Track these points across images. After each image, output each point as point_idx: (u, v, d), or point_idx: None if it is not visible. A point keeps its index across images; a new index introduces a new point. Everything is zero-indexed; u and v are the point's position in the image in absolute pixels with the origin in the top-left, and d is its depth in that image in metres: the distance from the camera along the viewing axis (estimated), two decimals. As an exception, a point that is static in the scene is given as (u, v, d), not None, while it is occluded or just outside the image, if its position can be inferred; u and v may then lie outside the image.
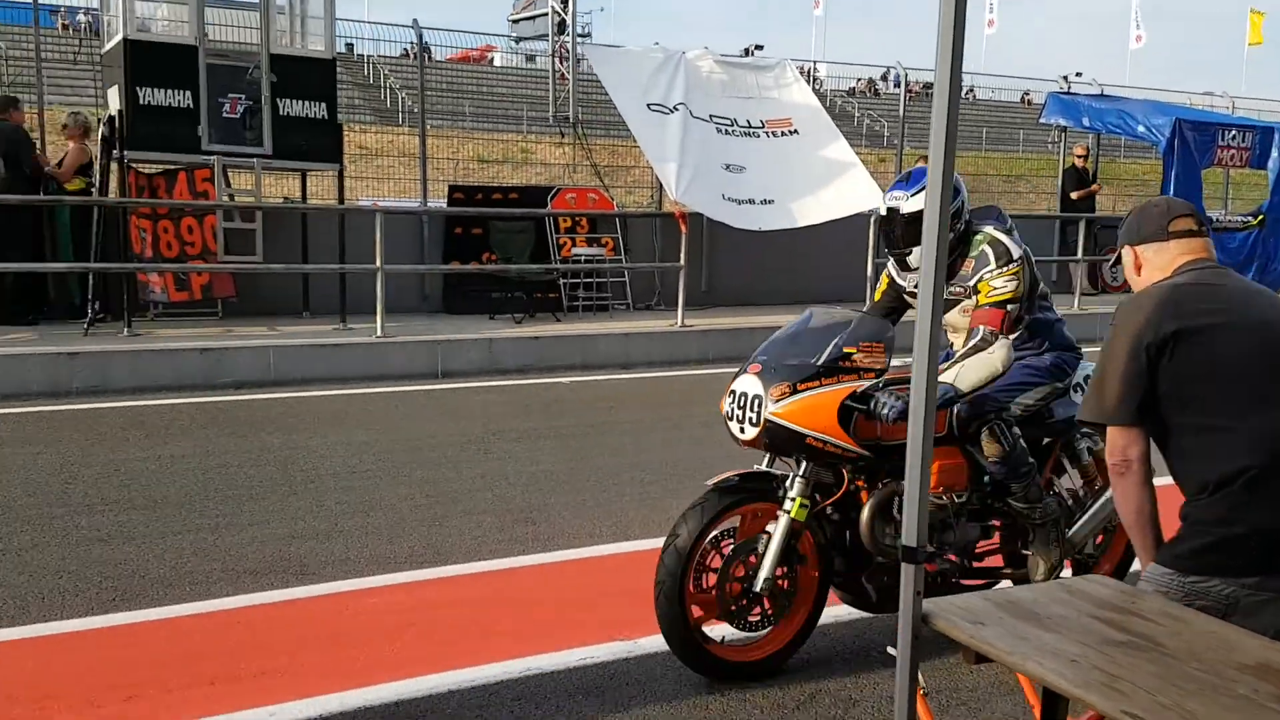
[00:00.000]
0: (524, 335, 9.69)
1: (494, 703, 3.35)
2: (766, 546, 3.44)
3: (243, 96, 9.45)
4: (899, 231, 3.76)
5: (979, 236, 3.72)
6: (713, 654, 3.48)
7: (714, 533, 3.47)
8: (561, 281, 11.19)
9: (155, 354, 8.09)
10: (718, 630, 3.55)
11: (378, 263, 9.05)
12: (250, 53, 9.56)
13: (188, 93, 9.17)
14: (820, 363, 3.47)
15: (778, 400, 3.41)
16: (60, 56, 19.98)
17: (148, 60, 9.15)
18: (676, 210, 10.34)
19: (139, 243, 9.23)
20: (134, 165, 9.35)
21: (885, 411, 3.34)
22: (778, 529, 3.44)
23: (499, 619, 3.96)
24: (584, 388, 8.71)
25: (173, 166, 9.52)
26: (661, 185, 11.17)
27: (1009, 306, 3.61)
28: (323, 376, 8.44)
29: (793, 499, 3.44)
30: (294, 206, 10.71)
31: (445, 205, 11.43)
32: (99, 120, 9.93)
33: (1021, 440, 3.68)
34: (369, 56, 28.32)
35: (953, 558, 3.71)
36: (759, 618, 3.51)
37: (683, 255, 10.42)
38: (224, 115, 9.37)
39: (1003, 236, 3.72)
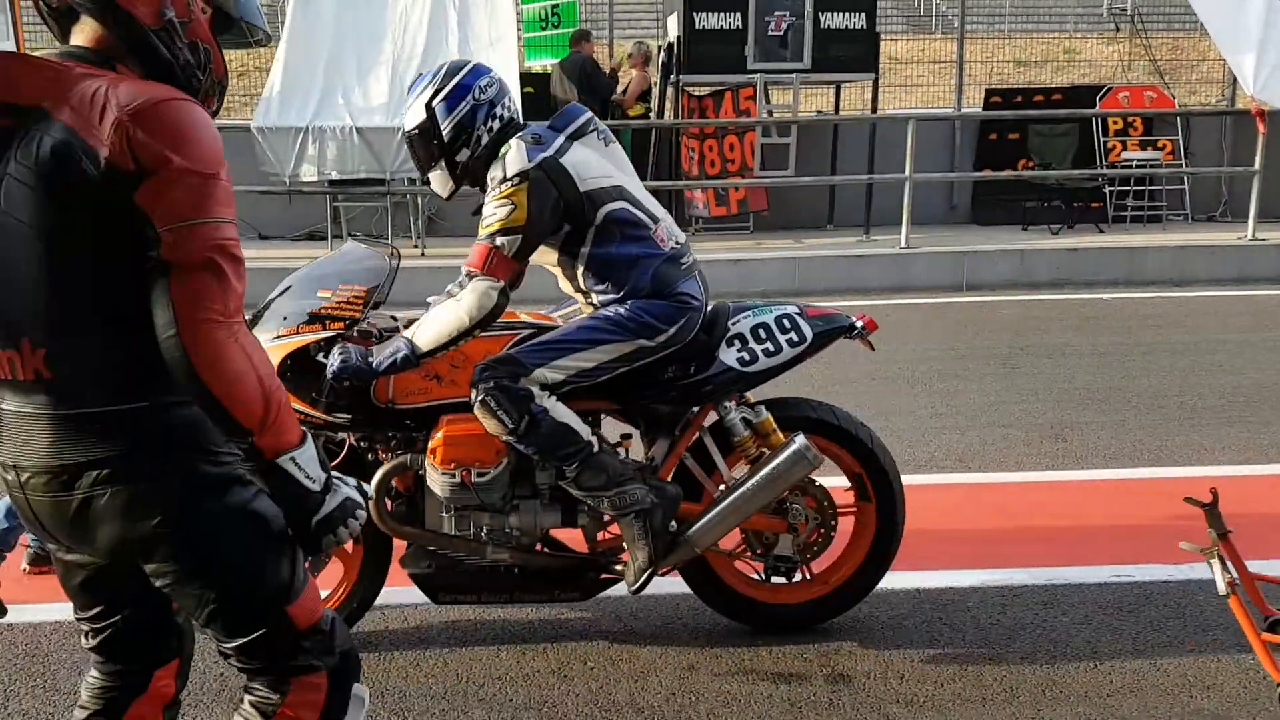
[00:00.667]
0: (1060, 246, 9.09)
1: (1017, 604, 3.33)
2: None
3: (787, 13, 9.80)
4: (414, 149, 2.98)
5: (505, 147, 2.83)
6: None
7: None
8: (1107, 189, 10.28)
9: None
10: None
11: (907, 171, 8.98)
12: (793, -33, 9.85)
13: (737, 14, 9.73)
14: (303, 311, 2.90)
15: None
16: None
17: (704, -15, 9.83)
18: (1253, 107, 8.98)
19: (687, 161, 10.06)
20: (687, 88, 10.14)
21: (329, 368, 2.73)
22: None
23: (1024, 529, 3.87)
24: (1128, 305, 7.99)
25: (719, 87, 10.18)
26: (1235, 80, 9.75)
27: (499, 240, 2.72)
28: (845, 288, 8.62)
29: None
30: (827, 119, 10.95)
31: (980, 110, 10.99)
32: (659, 48, 10.89)
33: (554, 414, 2.75)
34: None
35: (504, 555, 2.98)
36: None
37: (1258, 159, 9.06)
38: (769, 33, 9.80)
39: (516, 148, 2.78)
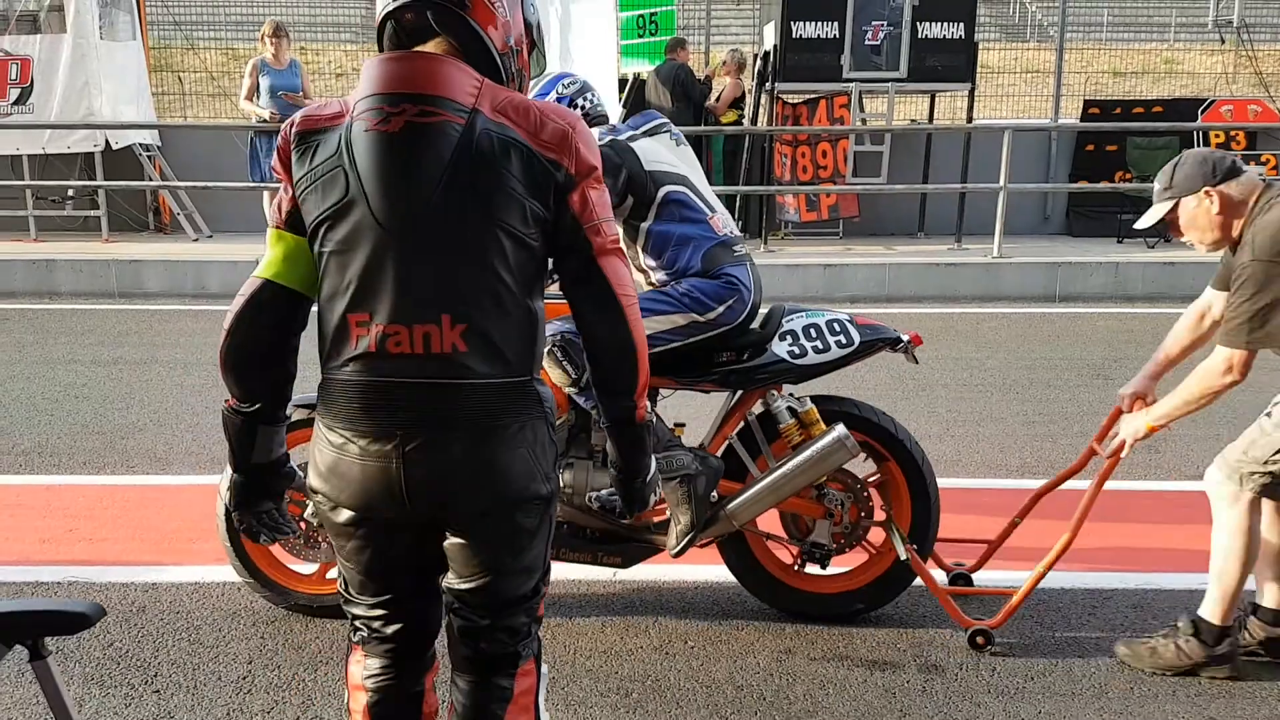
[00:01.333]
0: (1157, 260, 8.98)
1: (1107, 605, 3.42)
2: None
3: (884, 23, 9.84)
4: None
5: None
6: (270, 577, 3.33)
7: None
8: (1207, 204, 10.10)
9: (785, 269, 8.92)
10: None
11: (1001, 181, 8.97)
12: (893, -22, 9.89)
13: (834, 24, 9.80)
14: None
15: None
16: None
17: (801, -6, 9.92)
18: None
19: (780, 167, 10.17)
20: (782, 96, 10.25)
21: None
22: None
23: (1116, 534, 3.92)
24: (1225, 321, 7.87)
25: (814, 95, 10.27)
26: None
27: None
28: (935, 295, 8.65)
29: None
30: (921, 128, 10.96)
31: (1077, 121, 10.88)
32: (754, 56, 11.01)
33: None
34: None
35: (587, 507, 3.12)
36: (318, 551, 3.32)
37: (1369, 174, 8.85)
38: (865, 43, 9.86)
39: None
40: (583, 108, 3.22)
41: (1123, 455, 3.05)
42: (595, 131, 3.04)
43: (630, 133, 3.17)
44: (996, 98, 15.11)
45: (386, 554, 1.91)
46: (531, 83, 3.17)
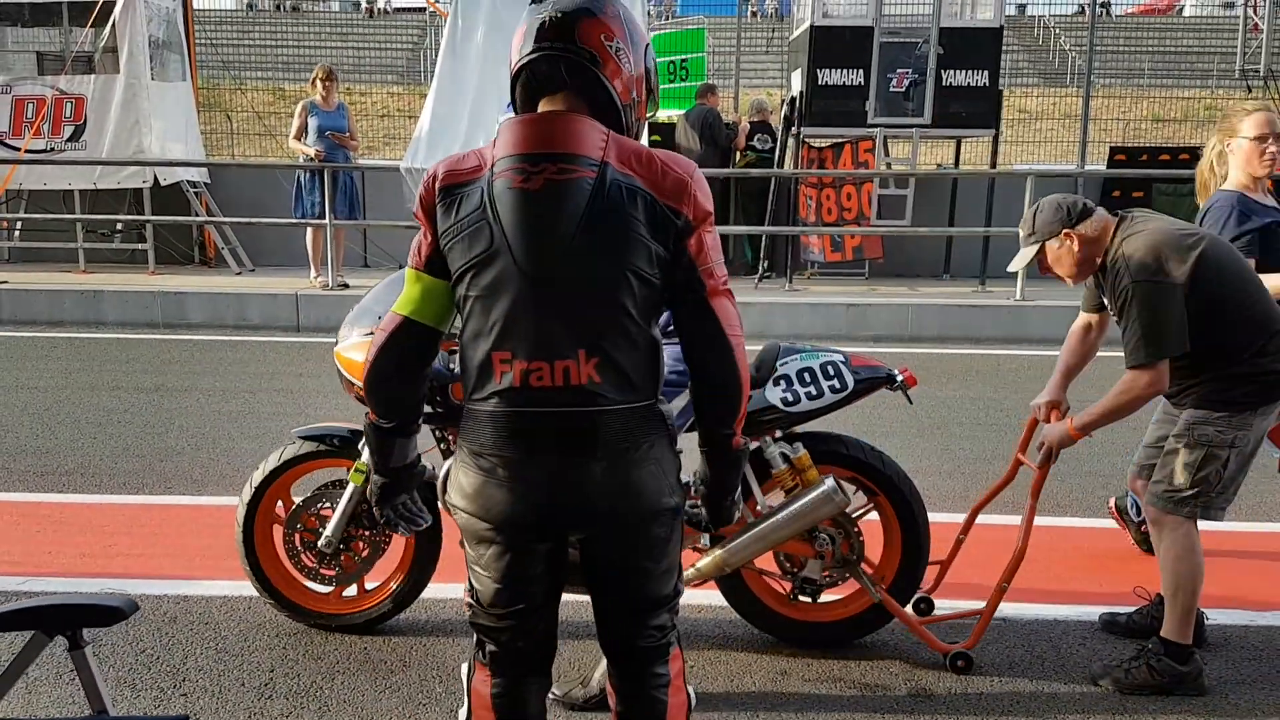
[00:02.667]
0: (1180, 307, 9.03)
1: (1097, 637, 3.51)
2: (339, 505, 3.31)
3: (909, 70, 10.05)
4: None
5: None
6: (286, 596, 3.50)
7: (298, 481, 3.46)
8: (1233, 251, 10.14)
9: (809, 307, 9.06)
10: None
11: (1024, 227, 9.07)
12: (921, 28, 10.11)
13: (860, 71, 10.02)
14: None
15: (342, 341, 3.25)
16: (751, 44, 22.66)
17: (828, 43, 10.16)
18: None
19: (805, 209, 10.35)
20: (808, 140, 10.46)
21: None
22: (345, 492, 3.30)
23: (1119, 569, 4.02)
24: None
25: (839, 140, 10.47)
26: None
27: None
28: (957, 336, 8.75)
29: (360, 465, 3.24)
30: (945, 173, 11.11)
31: (1103, 167, 10.98)
32: (782, 101, 11.25)
33: None
34: (1040, 18, 27.59)
35: None
36: (333, 574, 3.43)
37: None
38: (890, 89, 10.06)
39: None
40: None
41: (1052, 462, 3.27)
42: None
43: None
44: (1034, 142, 15.22)
45: (523, 565, 2.07)
46: None
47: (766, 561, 3.41)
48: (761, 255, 10.18)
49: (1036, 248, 3.19)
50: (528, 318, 1.95)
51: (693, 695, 2.41)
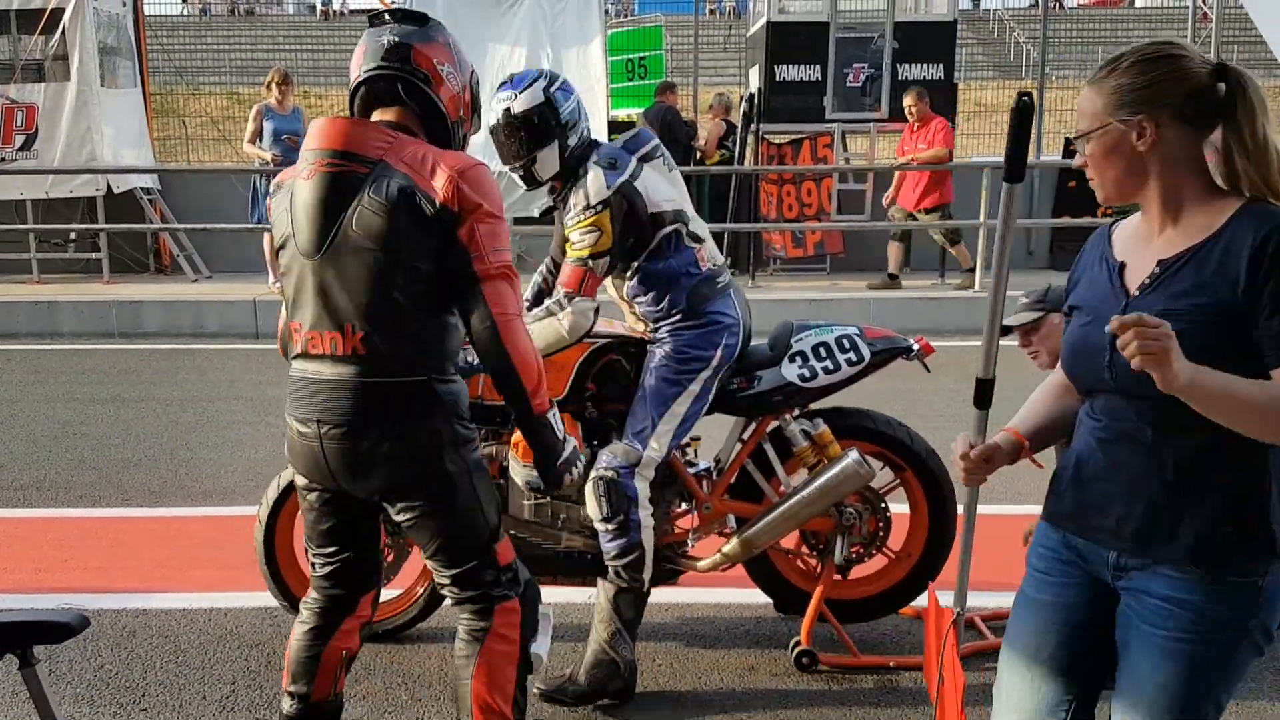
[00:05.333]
0: (1136, 295, 9.16)
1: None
2: None
3: (866, 65, 10.11)
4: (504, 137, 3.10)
5: (584, 169, 3.05)
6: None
7: None
8: (1187, 238, 10.30)
9: (772, 304, 9.08)
10: None
11: (981, 218, 9.17)
12: (876, 23, 10.18)
13: (817, 66, 10.08)
14: None
15: None
16: (709, 42, 22.70)
17: (785, 39, 10.20)
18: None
19: (766, 205, 10.39)
20: (767, 137, 10.49)
21: None
22: None
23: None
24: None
25: (798, 136, 10.51)
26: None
27: (590, 263, 2.99)
28: (919, 328, 8.78)
29: None
30: (902, 166, 11.18)
31: (1058, 158, 11.11)
32: (740, 98, 11.28)
33: (644, 536, 3.05)
34: (994, 11, 27.90)
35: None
36: None
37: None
38: (847, 85, 10.11)
39: (595, 175, 3.00)
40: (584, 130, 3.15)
41: None
42: (598, 172, 3.00)
43: (631, 164, 3.09)
44: (991, 135, 15.40)
45: (331, 517, 2.42)
46: (521, 76, 3.13)
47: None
48: (725, 253, 10.20)
49: (1038, 315, 3.05)
50: (307, 292, 2.28)
51: (542, 655, 2.57)
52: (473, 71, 2.46)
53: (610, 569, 3.09)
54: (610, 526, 3.04)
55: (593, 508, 3.05)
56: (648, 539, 3.08)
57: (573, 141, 3.09)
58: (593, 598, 3.68)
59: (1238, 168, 1.69)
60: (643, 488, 3.06)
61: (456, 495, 2.34)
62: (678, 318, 3.12)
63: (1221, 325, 1.64)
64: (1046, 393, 2.00)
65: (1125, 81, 1.71)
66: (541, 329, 2.99)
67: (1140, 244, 1.79)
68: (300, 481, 2.41)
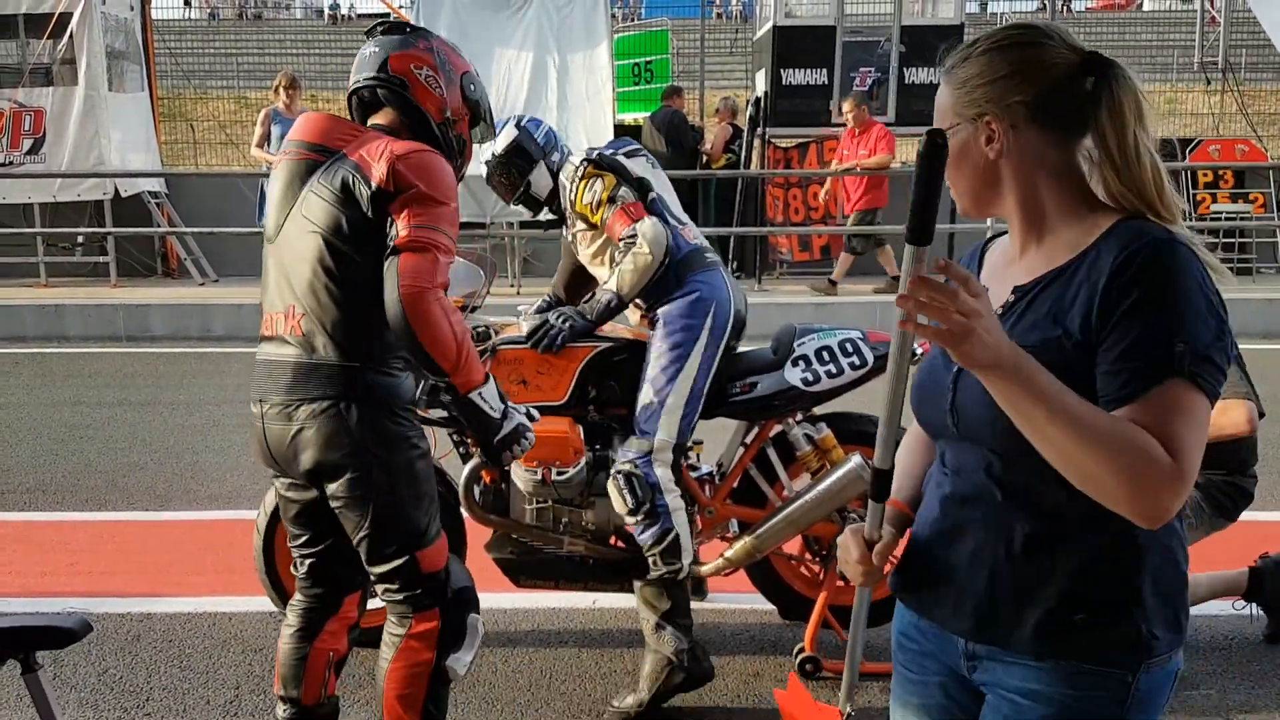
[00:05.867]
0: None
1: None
2: None
3: (873, 69, 10.09)
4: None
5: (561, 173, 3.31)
6: None
7: None
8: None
9: (776, 307, 9.08)
10: None
11: (988, 220, 9.14)
12: (883, 26, 10.16)
13: (823, 70, 10.06)
14: None
15: None
16: (715, 46, 22.67)
17: (792, 43, 10.19)
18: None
19: (772, 209, 10.37)
20: (773, 140, 10.48)
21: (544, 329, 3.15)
22: None
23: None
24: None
25: (804, 140, 10.50)
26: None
27: (619, 196, 3.09)
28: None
29: None
30: (909, 170, 11.16)
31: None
32: (747, 102, 11.27)
33: (674, 519, 3.04)
34: (1002, 14, 27.84)
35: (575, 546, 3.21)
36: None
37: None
38: (854, 88, 10.10)
39: (570, 158, 3.31)
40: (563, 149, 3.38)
41: None
42: (573, 155, 3.30)
43: (611, 153, 3.29)
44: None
45: (297, 504, 2.46)
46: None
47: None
48: (731, 256, 10.20)
49: None
50: (267, 275, 2.41)
51: (457, 669, 2.48)
52: (465, 72, 2.54)
53: (650, 561, 3.07)
54: (640, 517, 3.04)
55: (619, 504, 3.05)
56: (679, 520, 3.07)
57: (556, 159, 3.33)
58: (596, 603, 3.69)
59: (1105, 178, 1.38)
60: (663, 473, 3.05)
61: (374, 491, 2.32)
62: (665, 292, 3.14)
63: (1078, 366, 1.32)
64: (913, 447, 1.66)
65: (973, 74, 1.41)
66: (630, 267, 3.07)
67: (1004, 266, 1.50)
68: (269, 471, 2.46)
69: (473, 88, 2.56)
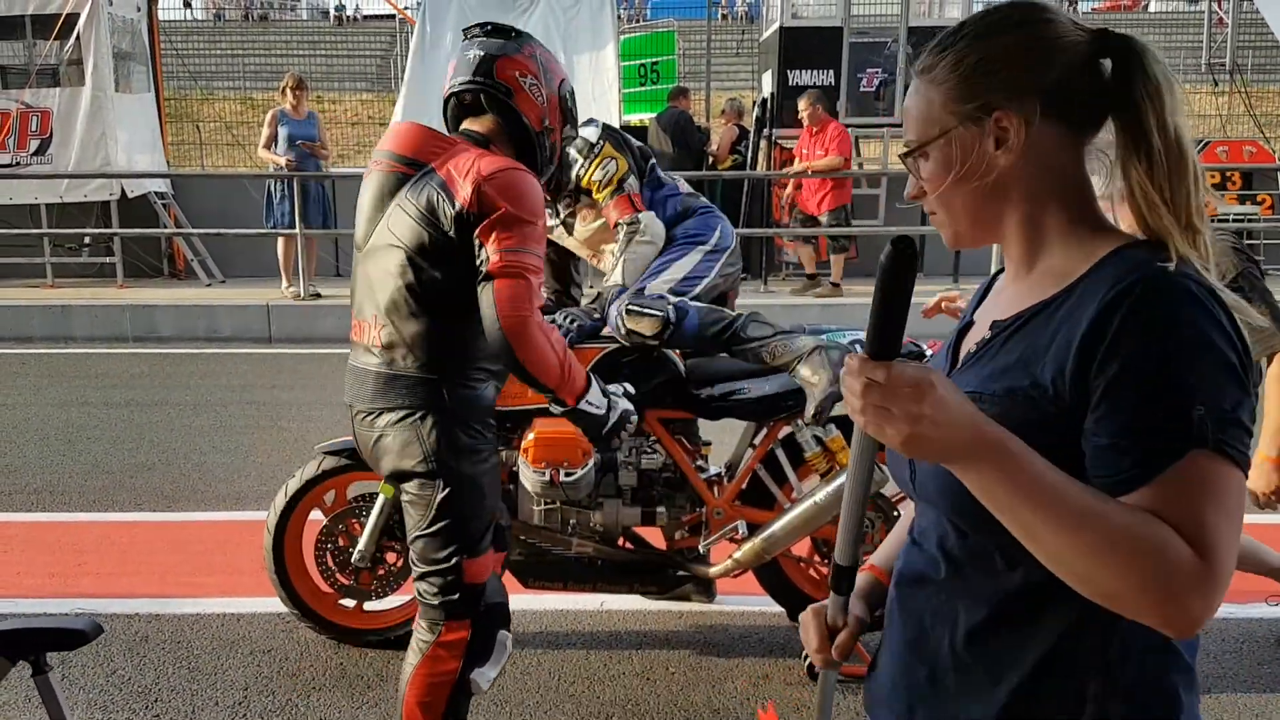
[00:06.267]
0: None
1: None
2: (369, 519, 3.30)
3: (879, 70, 10.08)
4: None
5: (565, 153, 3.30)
6: (326, 618, 3.42)
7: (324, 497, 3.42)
8: (1202, 244, 10.24)
9: (782, 309, 9.07)
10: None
11: (996, 224, 9.12)
12: (889, 28, 10.15)
13: (830, 71, 10.06)
14: None
15: None
16: (722, 47, 22.67)
17: (798, 44, 10.19)
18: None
19: (778, 210, 10.36)
20: (779, 142, 10.47)
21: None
22: (376, 504, 3.26)
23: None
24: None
25: (811, 139, 10.48)
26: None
27: (626, 187, 3.16)
28: (931, 333, 8.75)
29: None
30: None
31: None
32: (753, 103, 11.26)
33: (697, 302, 3.17)
34: (1006, 18, 27.77)
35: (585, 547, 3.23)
36: (373, 588, 3.37)
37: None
38: (860, 89, 10.10)
39: (581, 134, 3.30)
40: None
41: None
42: (587, 131, 3.30)
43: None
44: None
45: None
46: None
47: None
48: (736, 257, 10.18)
49: None
50: (355, 281, 2.48)
51: (480, 684, 2.51)
52: (562, 80, 2.55)
53: (728, 345, 3.17)
54: (673, 321, 3.10)
55: (647, 325, 3.10)
56: (703, 300, 3.21)
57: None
58: (604, 605, 3.68)
59: (1133, 183, 1.11)
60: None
61: (438, 497, 2.39)
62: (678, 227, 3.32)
63: (1046, 423, 1.07)
64: (909, 513, 1.42)
65: (971, 61, 1.14)
66: (632, 257, 3.21)
67: (994, 295, 1.29)
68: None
69: (569, 96, 2.58)
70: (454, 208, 2.27)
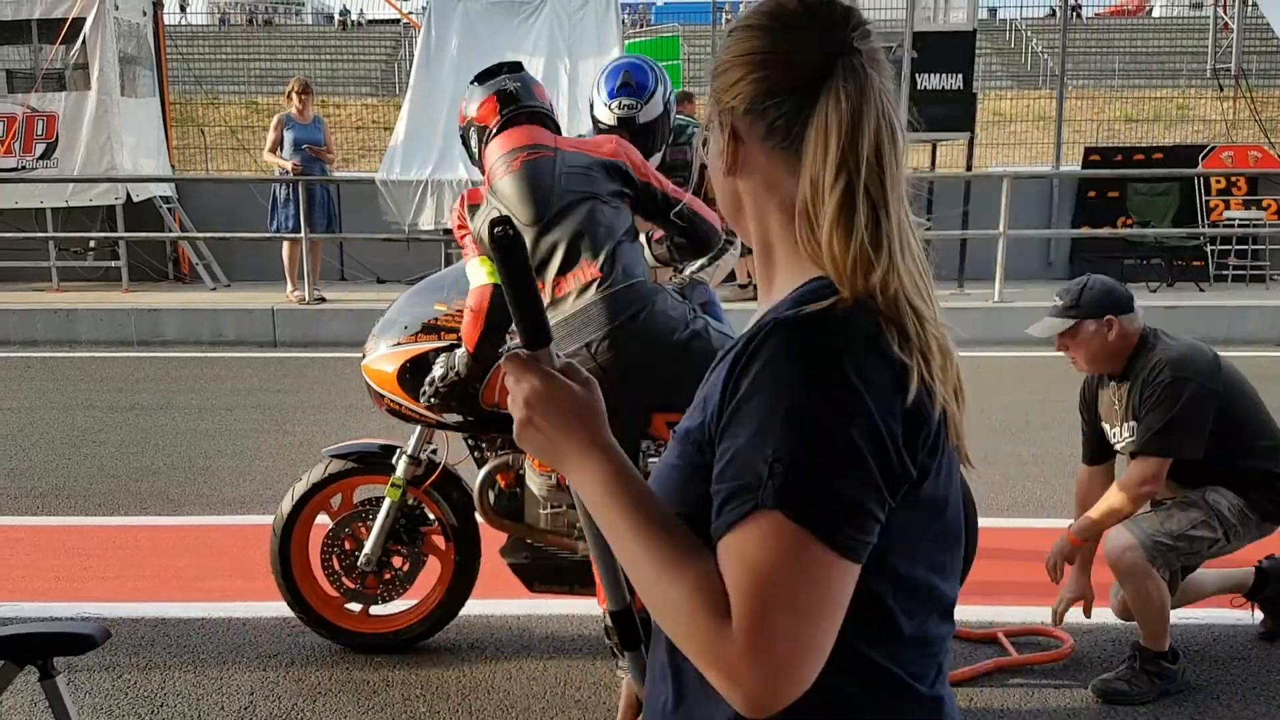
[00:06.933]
0: (1159, 304, 9.07)
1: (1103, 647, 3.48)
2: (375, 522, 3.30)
3: (886, 75, 10.07)
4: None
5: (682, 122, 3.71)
6: (332, 622, 3.42)
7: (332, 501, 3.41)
8: (1209, 248, 10.22)
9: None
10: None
11: (1001, 227, 9.12)
12: (894, 32, 10.14)
13: (832, 75, 10.03)
14: (417, 321, 3.25)
15: (369, 354, 3.29)
16: (729, 52, 22.57)
17: (799, 48, 10.17)
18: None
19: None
20: (784, 145, 10.47)
21: (432, 373, 3.06)
22: (382, 507, 3.26)
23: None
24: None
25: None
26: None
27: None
28: (941, 339, 8.74)
29: (396, 479, 3.23)
30: (920, 177, 11.14)
31: (1079, 168, 11.05)
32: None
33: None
34: (1012, 21, 27.78)
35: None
36: (379, 592, 3.35)
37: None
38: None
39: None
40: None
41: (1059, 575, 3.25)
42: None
43: None
44: (1009, 145, 15.31)
45: None
46: (621, 70, 3.59)
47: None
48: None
49: (1072, 323, 3.13)
50: (535, 258, 2.83)
51: None
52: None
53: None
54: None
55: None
56: None
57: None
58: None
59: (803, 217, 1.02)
60: None
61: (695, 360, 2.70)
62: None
63: (702, 470, 0.98)
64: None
65: (717, 62, 1.08)
66: (723, 265, 3.60)
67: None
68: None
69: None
70: (610, 160, 2.98)
